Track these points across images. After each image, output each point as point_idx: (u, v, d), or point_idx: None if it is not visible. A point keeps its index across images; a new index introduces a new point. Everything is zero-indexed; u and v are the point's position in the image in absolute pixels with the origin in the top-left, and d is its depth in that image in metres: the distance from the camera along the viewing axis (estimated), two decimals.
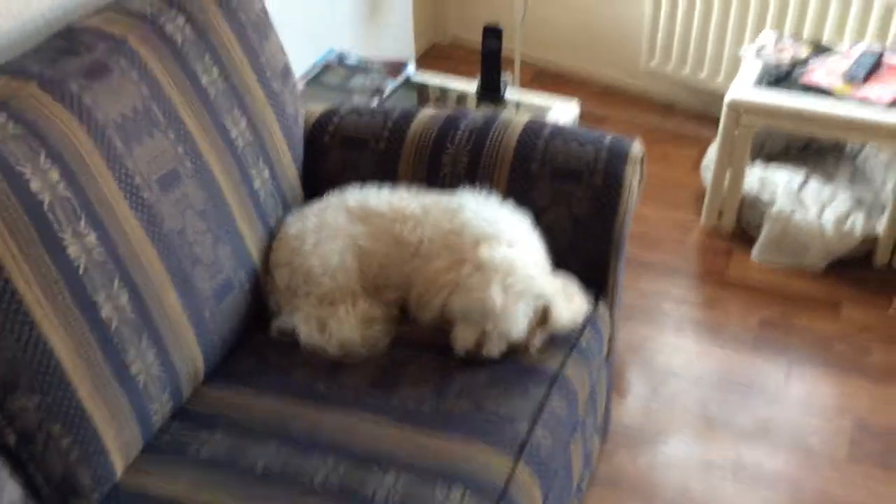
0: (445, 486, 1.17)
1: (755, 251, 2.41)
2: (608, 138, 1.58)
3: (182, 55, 1.39)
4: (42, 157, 1.12)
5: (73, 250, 1.13)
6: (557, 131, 1.60)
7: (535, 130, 1.60)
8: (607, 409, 1.78)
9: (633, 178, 1.54)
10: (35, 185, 1.10)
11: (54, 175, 1.13)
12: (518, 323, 1.37)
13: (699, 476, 1.80)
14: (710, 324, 2.21)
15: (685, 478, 1.80)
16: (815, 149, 2.73)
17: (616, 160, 1.53)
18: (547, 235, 1.50)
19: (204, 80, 1.42)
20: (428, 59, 3.39)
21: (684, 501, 1.75)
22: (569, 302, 1.45)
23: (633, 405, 1.98)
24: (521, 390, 1.33)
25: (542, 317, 1.40)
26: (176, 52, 1.38)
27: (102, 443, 1.17)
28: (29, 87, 1.17)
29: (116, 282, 1.19)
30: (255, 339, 1.47)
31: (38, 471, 1.13)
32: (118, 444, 1.20)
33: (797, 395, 1.99)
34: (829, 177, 2.57)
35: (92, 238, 1.16)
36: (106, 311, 1.17)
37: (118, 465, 1.21)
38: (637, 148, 1.57)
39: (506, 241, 1.41)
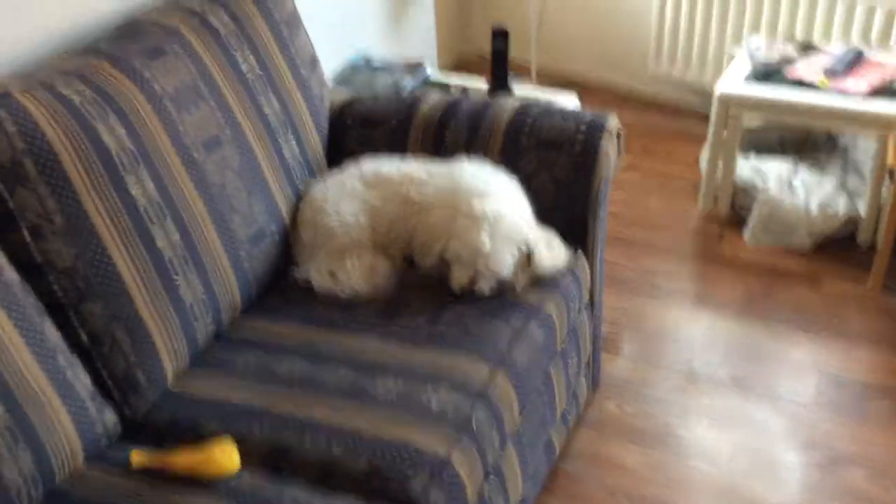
0: (434, 386, 1.41)
1: (746, 233, 2.61)
2: (588, 115, 1.81)
3: (224, 43, 1.67)
4: (112, 117, 1.41)
5: (135, 190, 1.41)
6: (545, 109, 1.84)
7: (525, 109, 1.85)
8: (595, 358, 2.00)
9: (610, 148, 1.77)
10: (106, 137, 1.38)
11: (121, 130, 1.41)
12: (505, 263, 1.60)
13: (679, 420, 2.01)
14: (699, 294, 2.42)
15: (666, 421, 2.01)
16: (809, 143, 2.92)
17: (594, 132, 1.77)
18: (533, 198, 1.74)
19: (243, 65, 1.70)
20: (454, 68, 3.67)
21: (663, 440, 1.95)
22: (550, 250, 1.68)
23: (624, 363, 2.19)
24: (504, 319, 1.57)
25: (527, 260, 1.64)
26: (219, 41, 1.67)
27: (156, 349, 1.44)
28: (102, 63, 1.46)
29: (169, 219, 1.46)
30: (284, 282, 1.73)
31: (104, 368, 1.39)
32: (169, 352, 1.47)
33: (772, 354, 2.18)
34: (820, 167, 2.76)
35: (149, 183, 1.44)
36: (160, 242, 1.44)
37: (169, 371, 1.48)
38: (613, 122, 1.80)
39: (496, 197, 1.65)
